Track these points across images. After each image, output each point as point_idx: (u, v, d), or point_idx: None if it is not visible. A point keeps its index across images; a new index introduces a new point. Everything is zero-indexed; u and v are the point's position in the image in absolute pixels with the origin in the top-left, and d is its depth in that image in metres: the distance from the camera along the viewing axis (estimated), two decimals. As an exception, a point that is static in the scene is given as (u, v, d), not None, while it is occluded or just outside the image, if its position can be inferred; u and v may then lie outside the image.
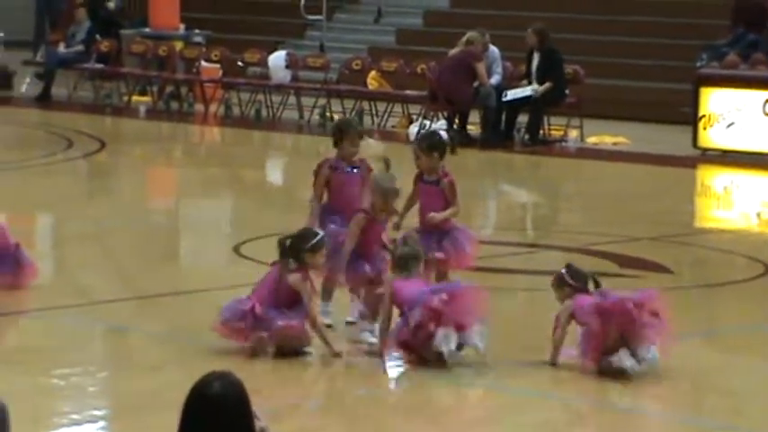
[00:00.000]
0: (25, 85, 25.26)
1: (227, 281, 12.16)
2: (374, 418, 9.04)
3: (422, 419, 9.12)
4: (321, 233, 9.91)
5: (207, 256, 14.03)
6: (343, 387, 9.56)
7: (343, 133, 10.78)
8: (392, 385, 9.54)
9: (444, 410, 9.27)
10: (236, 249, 13.27)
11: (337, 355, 9.62)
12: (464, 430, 8.90)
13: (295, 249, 9.73)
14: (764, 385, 9.79)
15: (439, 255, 10.22)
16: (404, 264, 9.69)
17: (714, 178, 19.48)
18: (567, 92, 21.25)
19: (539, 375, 9.65)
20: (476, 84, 21.00)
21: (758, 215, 17.23)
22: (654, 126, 21.91)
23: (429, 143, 11.05)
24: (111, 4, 27.33)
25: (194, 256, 14.30)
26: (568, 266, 9.88)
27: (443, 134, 10.59)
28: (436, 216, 10.42)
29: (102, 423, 8.67)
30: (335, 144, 10.79)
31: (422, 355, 9.41)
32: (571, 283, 9.70)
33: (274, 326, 9.56)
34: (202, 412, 4.72)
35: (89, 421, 8.56)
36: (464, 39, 21.37)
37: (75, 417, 8.52)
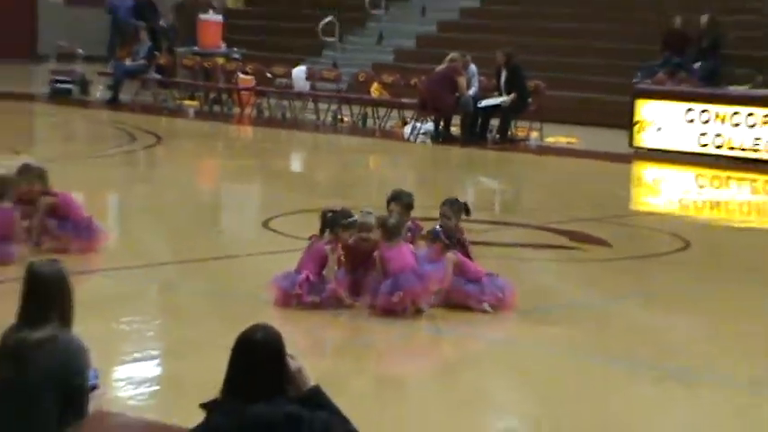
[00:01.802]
0: (99, 91, 25.24)
1: (257, 249, 12.19)
2: (373, 361, 9.05)
3: (410, 361, 9.12)
4: (356, 217, 9.81)
5: (241, 228, 14.01)
6: (350, 335, 9.55)
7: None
8: (391, 335, 9.50)
9: (428, 353, 9.26)
10: (265, 224, 13.25)
11: (350, 305, 9.61)
12: (447, 369, 8.90)
13: (333, 222, 9.69)
14: (687, 335, 9.80)
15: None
16: (392, 232, 9.65)
17: (645, 171, 19.47)
18: (529, 101, 21.26)
19: (505, 326, 9.66)
20: (457, 94, 21.03)
21: (679, 201, 17.22)
22: (598, 129, 21.90)
23: (459, 207, 10.19)
24: (163, 23, 27.27)
25: (231, 228, 14.27)
26: (441, 228, 9.93)
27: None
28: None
29: (157, 361, 8.66)
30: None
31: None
32: (446, 242, 9.75)
33: (323, 293, 9.54)
34: (247, 355, 4.73)
35: (148, 359, 8.56)
36: (448, 58, 21.47)
37: (136, 356, 8.52)
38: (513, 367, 8.77)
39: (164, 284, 10.70)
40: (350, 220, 9.71)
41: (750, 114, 19.38)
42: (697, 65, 23.32)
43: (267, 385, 4.71)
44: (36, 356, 5.38)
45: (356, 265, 9.79)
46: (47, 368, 5.36)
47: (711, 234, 14.53)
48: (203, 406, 4.75)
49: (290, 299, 9.55)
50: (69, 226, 11.23)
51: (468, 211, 10.11)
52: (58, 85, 25.21)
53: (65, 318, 5.51)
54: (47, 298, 5.48)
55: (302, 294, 9.52)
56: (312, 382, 4.82)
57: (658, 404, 8.00)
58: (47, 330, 5.42)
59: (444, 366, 8.98)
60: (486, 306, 9.64)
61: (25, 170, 11.48)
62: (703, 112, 19.76)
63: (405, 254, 9.56)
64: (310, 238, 9.88)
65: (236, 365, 4.75)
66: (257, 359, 4.73)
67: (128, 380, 7.94)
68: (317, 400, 4.78)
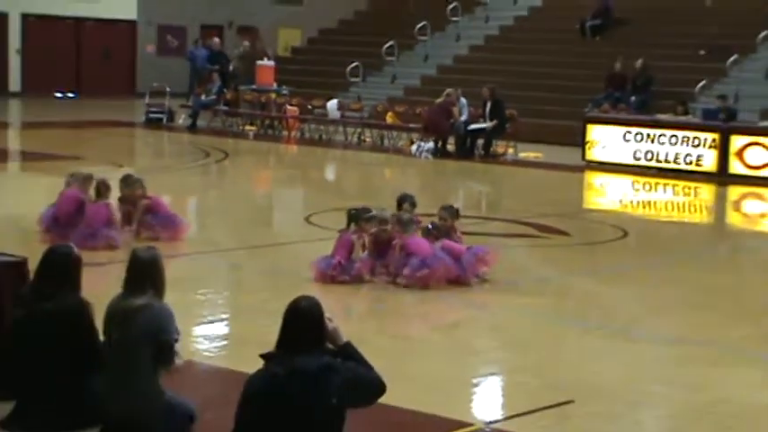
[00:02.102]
0: (182, 119, 25.25)
1: (301, 238, 12.18)
2: (387, 323, 9.04)
3: (416, 322, 9.11)
4: (374, 211, 9.84)
5: (288, 222, 14.01)
6: (370, 303, 9.54)
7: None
8: (402, 302, 9.49)
9: (430, 316, 9.26)
10: (307, 219, 13.25)
11: (370, 281, 9.61)
12: (444, 328, 8.89)
13: (357, 217, 9.75)
14: (626, 302, 9.77)
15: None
16: (407, 225, 9.68)
17: (594, 179, 19.40)
18: (507, 126, 21.20)
19: (487, 295, 9.65)
20: (452, 120, 21.00)
21: (619, 201, 17.17)
22: (558, 147, 21.83)
23: (453, 211, 10.22)
24: (231, 66, 27.30)
25: (281, 222, 14.28)
26: (432, 224, 9.94)
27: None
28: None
29: (226, 322, 8.67)
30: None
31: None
32: (434, 232, 9.80)
33: (352, 272, 9.58)
34: (295, 319, 4.74)
35: (218, 321, 8.57)
36: (445, 93, 21.45)
37: (210, 318, 8.53)
38: (494, 327, 8.76)
39: (230, 265, 10.71)
40: (369, 214, 9.83)
41: (673, 135, 19.33)
42: (633, 98, 23.26)
43: (310, 341, 4.71)
44: (136, 318, 5.40)
45: (378, 250, 9.84)
46: (144, 328, 5.39)
47: (644, 226, 14.49)
48: (262, 356, 4.75)
49: (326, 277, 9.59)
50: (160, 219, 11.27)
51: (458, 216, 10.17)
52: (152, 114, 25.23)
53: (158, 290, 5.54)
54: (144, 275, 5.52)
55: (336, 275, 9.57)
56: (345, 339, 4.82)
57: (604, 354, 7.99)
58: (144, 299, 5.44)
59: (442, 326, 8.98)
60: (472, 279, 9.67)
61: (128, 179, 11.53)
62: (637, 134, 19.70)
63: (421, 242, 9.62)
64: (339, 232, 9.93)
65: (286, 326, 4.76)
66: (302, 321, 4.73)
67: (204, 337, 7.95)
68: (349, 352, 4.78)
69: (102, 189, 10.89)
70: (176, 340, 5.51)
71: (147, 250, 5.66)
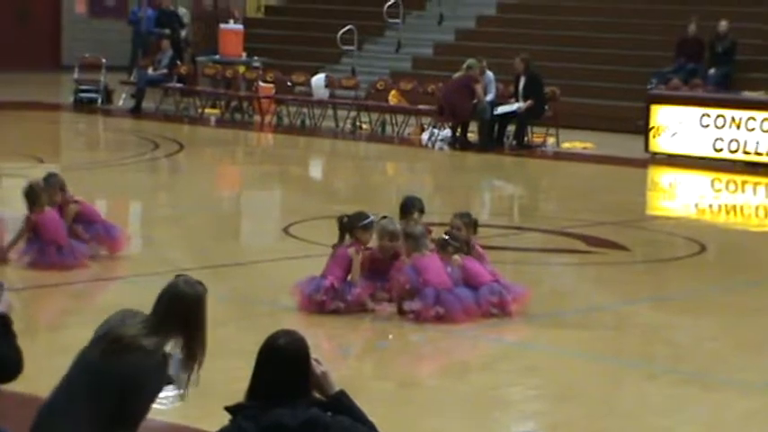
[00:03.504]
0: (122, 100, 25.31)
1: (277, 254, 12.20)
2: (391, 366, 9.05)
3: (429, 364, 9.12)
4: (372, 216, 9.83)
5: (262, 234, 14.02)
6: (372, 339, 9.54)
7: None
8: (412, 338, 9.50)
9: (446, 356, 9.26)
10: (285, 230, 13.26)
11: (371, 311, 9.64)
12: (464, 372, 8.90)
13: (350, 226, 9.71)
14: (702, 337, 9.78)
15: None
16: (420, 242, 9.64)
17: (661, 176, 19.44)
18: (546, 107, 21.25)
19: (520, 329, 9.66)
20: (474, 101, 21.00)
21: (694, 205, 17.20)
22: (614, 135, 21.88)
23: (470, 221, 10.19)
24: (183, 33, 27.35)
25: (252, 234, 14.29)
26: (449, 234, 9.92)
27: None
28: None
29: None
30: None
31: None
32: (455, 245, 9.78)
33: (348, 297, 9.58)
34: (271, 360, 4.74)
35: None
36: (465, 65, 21.40)
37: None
38: (528, 370, 8.76)
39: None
40: (366, 221, 9.74)
41: (765, 119, 19.32)
42: (711, 71, 23.27)
43: (291, 390, 4.72)
44: (126, 358, 5.25)
45: (376, 270, 9.80)
46: (124, 372, 5.24)
47: (727, 238, 14.51)
48: (228, 409, 4.76)
49: (313, 304, 9.55)
50: (99, 229, 11.29)
51: (476, 228, 10.11)
52: (83, 94, 25.28)
53: (186, 340, 5.35)
54: (173, 315, 5.36)
55: (326, 301, 9.54)
56: (337, 387, 4.82)
57: (674, 406, 7.99)
58: (157, 344, 5.30)
59: (461, 369, 8.98)
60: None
61: (50, 179, 11.52)
62: (718, 117, 19.71)
63: (439, 266, 9.55)
64: (333, 247, 9.87)
65: (260, 370, 4.76)
66: (280, 364, 4.73)
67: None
68: (342, 404, 4.78)
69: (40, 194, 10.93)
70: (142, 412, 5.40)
71: (189, 283, 5.46)
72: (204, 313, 5.39)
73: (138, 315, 5.44)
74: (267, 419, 4.64)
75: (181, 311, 5.35)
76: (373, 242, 9.87)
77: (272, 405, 4.67)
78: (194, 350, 5.36)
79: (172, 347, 5.34)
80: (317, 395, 4.80)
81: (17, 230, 10.90)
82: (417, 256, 9.55)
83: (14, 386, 5.78)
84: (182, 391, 5.48)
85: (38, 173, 12.85)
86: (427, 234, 9.93)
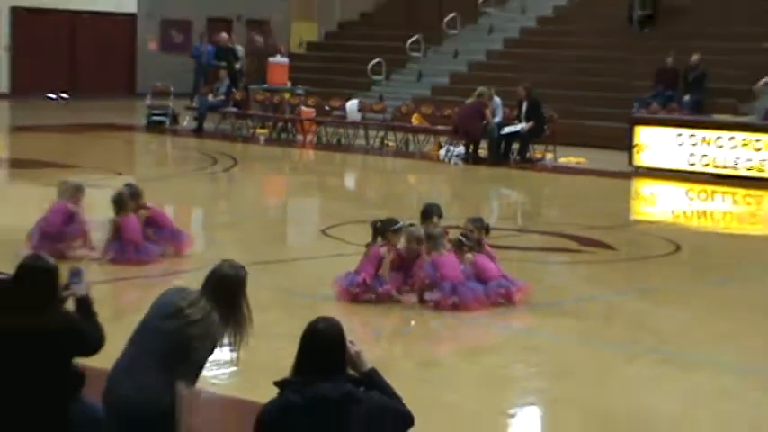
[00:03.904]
0: (186, 122, 25.34)
1: (317, 253, 12.16)
2: (414, 348, 9.01)
3: (447, 346, 9.07)
4: (401, 222, 9.80)
5: (303, 236, 14.01)
6: (398, 325, 9.49)
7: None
8: (432, 325, 9.44)
9: (462, 339, 9.21)
10: (324, 231, 13.23)
11: (397, 301, 9.58)
12: (476, 353, 8.84)
13: (383, 230, 9.72)
14: (680, 325, 9.69)
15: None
16: (439, 242, 9.64)
17: (642, 186, 19.32)
18: (545, 128, 21.16)
19: (525, 317, 9.59)
20: (484, 122, 20.97)
21: (671, 211, 17.08)
22: (603, 151, 21.76)
23: (482, 224, 10.06)
24: (238, 66, 27.38)
25: (295, 236, 14.28)
26: (464, 235, 9.85)
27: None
28: None
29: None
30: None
31: None
32: (469, 244, 9.75)
33: (379, 290, 9.56)
34: (313, 342, 4.71)
35: (227, 344, 8.51)
36: (476, 92, 21.41)
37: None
38: (531, 351, 8.70)
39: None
40: (396, 226, 9.77)
41: (731, 138, 19.22)
42: (686, 97, 23.17)
43: (330, 367, 4.68)
44: (185, 317, 5.41)
45: (403, 267, 9.80)
46: (188, 332, 5.39)
47: (699, 239, 14.39)
48: (277, 384, 4.72)
49: (348, 295, 9.58)
50: (166, 233, 11.32)
51: (488, 231, 10.07)
52: (154, 117, 25.35)
53: (228, 314, 5.50)
54: (219, 292, 5.51)
55: (359, 293, 9.55)
56: (369, 365, 4.79)
57: (656, 383, 7.91)
58: (199, 312, 5.44)
59: (473, 351, 8.93)
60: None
61: (131, 189, 11.54)
62: (691, 136, 19.61)
63: (454, 263, 9.56)
64: (367, 246, 9.88)
65: (303, 351, 4.73)
66: (321, 345, 4.70)
67: (210, 362, 7.89)
68: (373, 380, 4.75)
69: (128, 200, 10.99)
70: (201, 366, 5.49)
71: (232, 266, 5.63)
72: (244, 292, 5.56)
73: (188, 290, 5.59)
74: (311, 392, 4.60)
75: (224, 290, 5.50)
76: (400, 244, 9.85)
77: (314, 380, 4.64)
78: (236, 322, 5.52)
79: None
80: (352, 372, 4.77)
81: (105, 232, 10.95)
82: (436, 255, 9.57)
83: (98, 361, 5.76)
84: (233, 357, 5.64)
85: (117, 184, 12.87)
86: (445, 235, 9.91)
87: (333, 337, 4.73)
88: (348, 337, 4.78)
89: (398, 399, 4.75)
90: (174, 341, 5.41)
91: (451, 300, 9.38)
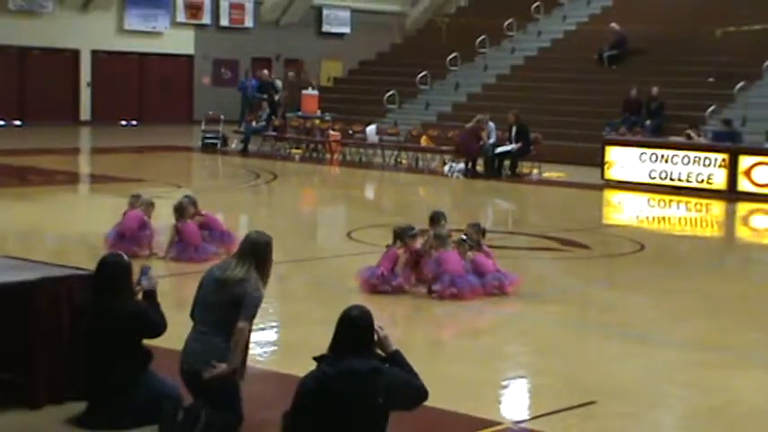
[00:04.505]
0: (234, 144, 25.37)
1: (343, 252, 12.15)
2: (423, 330, 9.01)
3: (449, 329, 9.08)
4: (417, 228, 9.75)
5: (332, 238, 14.01)
6: (411, 312, 9.51)
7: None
8: (438, 311, 9.45)
9: (462, 323, 9.21)
10: (349, 234, 13.24)
11: (409, 291, 9.58)
12: (475, 334, 8.84)
13: (402, 234, 9.69)
14: (644, 309, 9.67)
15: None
16: (445, 240, 9.64)
17: (612, 196, 19.25)
18: (532, 148, 21.12)
19: (515, 304, 9.59)
20: (481, 143, 20.95)
21: (636, 217, 17.03)
22: (579, 167, 21.69)
23: (480, 229, 10.08)
24: (277, 97, 27.41)
25: (325, 237, 14.29)
26: (465, 236, 9.81)
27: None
28: None
29: (275, 329, 8.67)
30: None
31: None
32: (470, 244, 9.72)
33: (393, 283, 9.54)
34: (347, 326, 4.74)
35: (269, 328, 8.56)
36: (475, 119, 21.41)
37: (260, 325, 8.47)
38: (521, 333, 8.70)
39: (279, 277, 10.68)
40: (413, 231, 9.74)
41: (685, 156, 19.17)
42: (648, 122, 23.10)
43: (360, 347, 4.70)
44: (231, 287, 5.63)
45: (415, 263, 9.77)
46: (237, 295, 5.57)
47: (660, 240, 14.35)
48: (315, 359, 4.74)
49: (369, 286, 9.57)
50: (216, 235, 11.34)
51: (484, 233, 10.08)
52: (207, 140, 25.37)
53: (261, 273, 5.68)
54: (249, 254, 5.71)
55: (378, 284, 9.54)
56: (394, 347, 4.80)
57: (623, 358, 7.91)
58: (243, 273, 5.63)
59: (472, 332, 8.93)
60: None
61: (190, 199, 11.56)
62: (652, 154, 19.55)
63: (457, 259, 9.55)
64: (387, 246, 9.88)
65: (338, 333, 4.75)
66: (354, 328, 4.73)
67: (255, 343, 7.91)
68: (397, 359, 4.77)
69: (188, 208, 11.03)
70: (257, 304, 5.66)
71: (260, 234, 5.86)
72: (271, 253, 5.78)
73: (223, 262, 5.86)
74: (344, 366, 4.62)
75: (256, 251, 5.72)
76: (418, 243, 9.81)
77: (346, 356, 4.65)
78: (264, 276, 5.73)
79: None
80: (380, 352, 4.78)
81: (168, 236, 10.97)
82: (442, 251, 9.57)
83: (164, 342, 5.80)
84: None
85: (178, 195, 12.91)
86: (450, 236, 9.91)
87: (364, 322, 4.76)
88: (377, 323, 4.79)
89: (416, 376, 4.77)
90: (229, 304, 5.54)
91: (450, 290, 9.37)
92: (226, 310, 5.57)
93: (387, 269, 9.58)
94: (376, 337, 4.79)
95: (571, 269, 11.75)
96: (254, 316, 5.65)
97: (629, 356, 7.93)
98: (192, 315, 5.79)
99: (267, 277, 5.77)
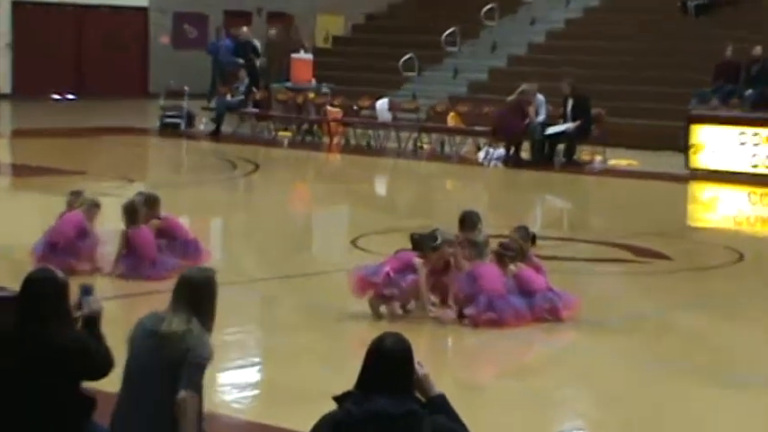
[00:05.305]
0: (203, 124, 25.45)
1: (346, 265, 12.13)
2: (451, 367, 9.02)
3: (489, 367, 9.08)
4: (440, 239, 9.71)
5: (331, 247, 14.04)
6: (428, 341, 9.51)
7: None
8: (471, 342, 9.46)
9: (505, 359, 9.22)
10: (353, 242, 13.26)
11: (435, 317, 9.59)
12: (519, 374, 8.84)
13: (422, 243, 9.65)
14: (742, 342, 9.65)
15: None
16: (482, 250, 9.61)
17: (700, 190, 19.24)
18: (593, 127, 21.13)
19: (570, 334, 9.60)
20: (526, 121, 20.97)
21: (732, 217, 17.01)
22: (657, 152, 21.68)
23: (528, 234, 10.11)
24: (259, 63, 27.48)
25: (322, 247, 14.31)
26: (505, 244, 9.84)
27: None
28: None
29: (258, 367, 8.69)
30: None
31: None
32: (510, 254, 9.72)
33: (402, 285, 9.50)
34: (379, 360, 4.73)
35: (249, 366, 8.58)
36: (519, 89, 21.43)
37: (239, 362, 8.53)
38: (578, 373, 8.69)
39: (263, 299, 10.75)
40: (436, 243, 9.63)
41: (798, 136, 19.15)
42: (748, 92, 23.04)
43: (394, 386, 4.69)
44: (169, 345, 5.57)
45: (433, 277, 9.77)
46: (178, 353, 5.54)
47: (764, 247, 14.33)
48: (336, 398, 4.73)
49: (366, 285, 9.49)
50: (178, 245, 11.36)
51: (534, 240, 10.03)
52: (167, 119, 25.46)
53: (203, 319, 5.69)
54: (190, 298, 5.70)
55: (379, 284, 9.47)
56: (437, 390, 4.80)
57: (719, 409, 7.88)
58: (184, 324, 5.61)
59: (515, 371, 8.93)
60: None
61: (144, 197, 11.59)
62: (755, 135, 19.52)
63: (495, 275, 9.51)
64: (396, 252, 9.83)
65: (367, 368, 4.73)
66: (387, 364, 4.71)
67: (232, 385, 7.97)
68: (440, 406, 4.76)
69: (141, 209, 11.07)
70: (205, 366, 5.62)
71: (200, 270, 5.91)
72: (215, 292, 5.79)
73: (157, 312, 5.78)
74: (373, 406, 4.61)
75: (194, 294, 5.70)
76: None
77: (377, 396, 4.65)
78: (210, 321, 5.72)
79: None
80: (419, 395, 4.78)
81: (117, 246, 11.01)
82: (477, 264, 9.53)
83: (109, 385, 5.81)
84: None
85: (129, 192, 12.96)
86: (487, 244, 9.88)
87: (401, 354, 4.74)
88: (416, 358, 4.78)
89: (465, 427, 4.76)
90: (169, 367, 5.54)
91: (487, 315, 9.36)
92: (166, 375, 5.55)
93: (395, 269, 9.53)
94: (415, 377, 4.78)
95: (646, 287, 11.75)
96: (199, 382, 5.60)
97: (724, 407, 7.91)
98: (124, 380, 5.74)
99: (213, 320, 5.77)
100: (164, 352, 5.57)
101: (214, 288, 5.78)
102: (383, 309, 9.60)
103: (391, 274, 9.50)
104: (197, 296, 5.70)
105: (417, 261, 9.56)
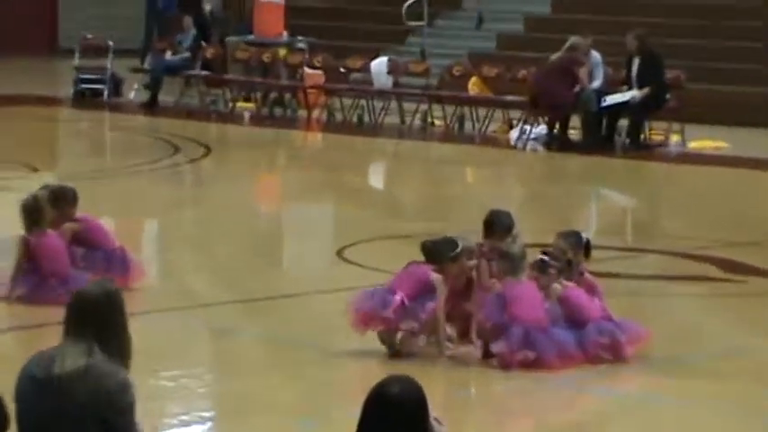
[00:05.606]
0: (133, 91, 25.44)
1: (331, 284, 12.19)
2: (476, 421, 9.05)
3: (533, 421, 9.12)
4: (461, 244, 9.79)
5: (310, 259, 14.06)
6: (446, 389, 9.55)
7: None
8: (501, 389, 9.50)
9: (552, 411, 9.25)
10: (340, 253, 13.29)
11: (452, 356, 9.63)
12: (568, 428, 8.90)
13: (439, 253, 9.66)
14: None
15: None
16: (519, 265, 9.62)
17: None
18: (667, 96, 21.11)
19: (639, 378, 9.63)
20: (577, 88, 20.92)
21: None
22: (755, 130, 21.71)
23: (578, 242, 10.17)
24: (208, 6, 27.50)
25: (298, 260, 14.34)
26: (548, 254, 9.85)
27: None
28: None
29: (208, 424, 8.73)
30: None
31: None
32: (556, 265, 9.73)
33: (422, 317, 9.53)
34: (381, 412, 4.74)
35: (196, 422, 8.62)
36: (567, 44, 21.30)
37: (183, 418, 8.59)
38: (649, 429, 8.73)
39: (216, 330, 10.77)
40: (456, 251, 9.66)
41: None
42: None
43: None
44: (72, 388, 5.52)
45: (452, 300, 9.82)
46: (86, 400, 5.52)
47: None
48: None
49: (375, 321, 9.52)
50: (99, 257, 11.38)
51: (588, 251, 10.02)
52: (85, 85, 25.46)
53: (109, 345, 5.65)
54: (88, 322, 5.65)
55: (392, 319, 9.49)
56: None
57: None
58: (83, 359, 5.57)
59: (564, 427, 8.97)
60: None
61: (60, 192, 11.63)
62: None
63: (534, 297, 9.53)
64: (407, 265, 9.85)
65: (367, 424, 4.75)
66: (392, 418, 4.73)
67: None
68: None
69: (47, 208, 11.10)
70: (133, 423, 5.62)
71: (96, 285, 5.82)
72: (120, 308, 5.75)
73: (43, 351, 5.70)
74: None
75: (92, 316, 5.65)
76: None
77: None
78: (122, 349, 5.71)
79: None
80: None
81: (14, 256, 11.02)
82: (510, 283, 9.54)
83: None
84: None
85: (32, 185, 12.97)
86: (524, 256, 9.90)
87: (412, 405, 4.75)
88: (432, 413, 4.79)
89: None
90: (78, 420, 5.53)
91: (523, 354, 9.39)
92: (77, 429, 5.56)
93: (408, 295, 9.54)
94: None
95: (740, 315, 11.78)
96: (131, 423, 5.62)
97: None
98: None
99: (127, 351, 5.75)
100: (64, 399, 5.51)
101: (119, 305, 5.74)
102: (399, 336, 9.63)
103: (406, 302, 9.53)
104: (96, 319, 5.64)
105: (435, 277, 9.57)
